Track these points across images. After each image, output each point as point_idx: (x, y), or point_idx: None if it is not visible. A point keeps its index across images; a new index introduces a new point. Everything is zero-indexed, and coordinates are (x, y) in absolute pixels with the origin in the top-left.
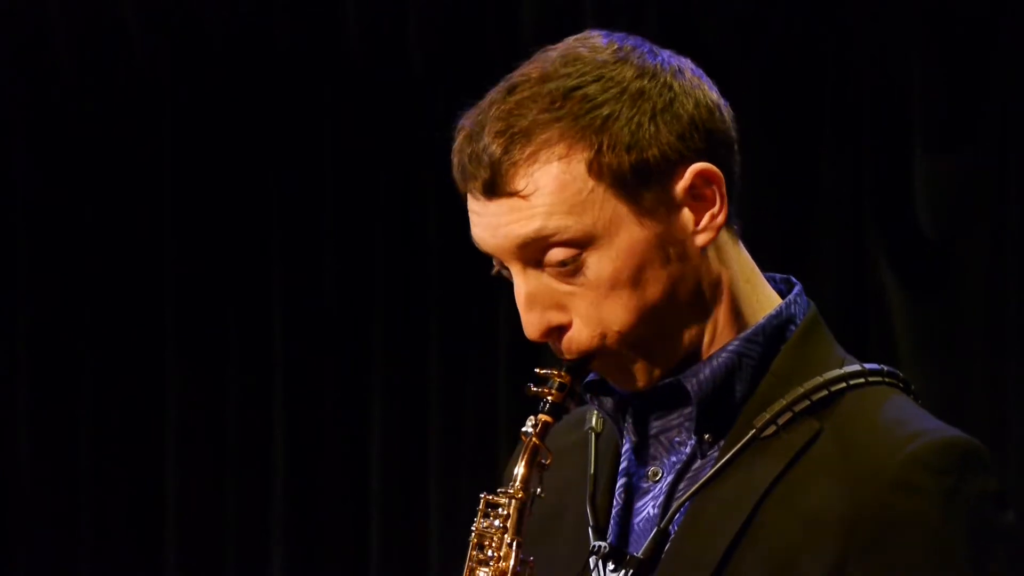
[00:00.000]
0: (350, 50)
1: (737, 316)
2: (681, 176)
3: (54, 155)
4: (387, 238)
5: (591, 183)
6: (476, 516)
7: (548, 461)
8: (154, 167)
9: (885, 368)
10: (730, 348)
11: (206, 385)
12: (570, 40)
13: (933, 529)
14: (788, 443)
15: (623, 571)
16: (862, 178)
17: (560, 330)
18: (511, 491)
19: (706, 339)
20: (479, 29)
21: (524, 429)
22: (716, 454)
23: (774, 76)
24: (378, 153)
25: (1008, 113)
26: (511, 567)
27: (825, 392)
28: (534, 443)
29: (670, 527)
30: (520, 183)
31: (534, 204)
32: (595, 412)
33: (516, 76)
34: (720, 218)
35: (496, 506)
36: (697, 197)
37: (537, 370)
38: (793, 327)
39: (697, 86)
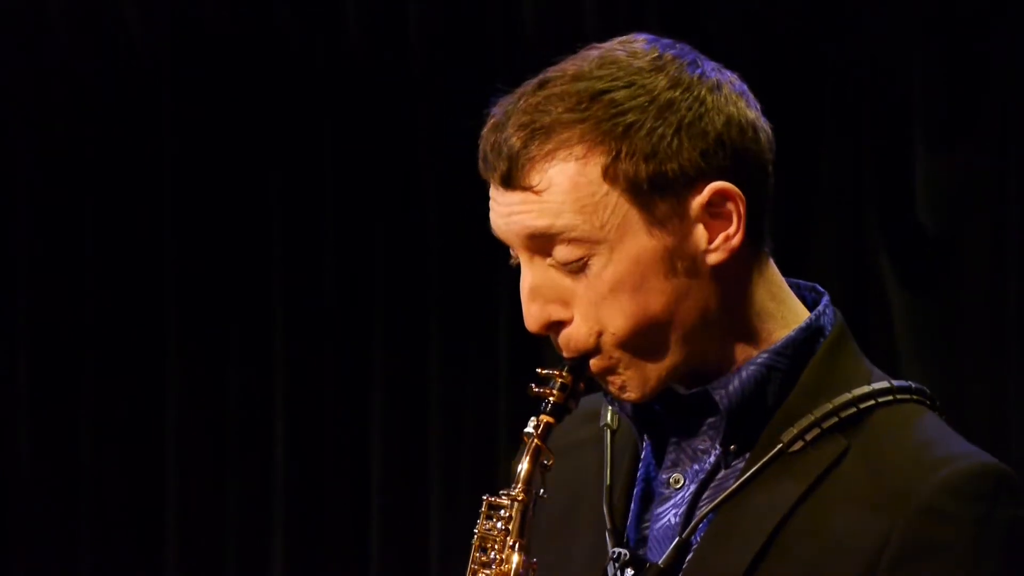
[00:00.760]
0: (350, 50)
1: (755, 335)
2: (699, 192)
3: (54, 154)
4: (387, 238)
5: (605, 187)
6: (479, 518)
7: (550, 462)
8: (154, 167)
9: (913, 385)
10: (759, 360)
11: (206, 385)
12: (614, 41)
13: (964, 557)
14: (815, 460)
15: None
16: (862, 177)
17: (560, 326)
18: (513, 493)
19: (713, 357)
20: (479, 29)
21: (526, 430)
22: (741, 466)
23: (774, 75)
24: (378, 153)
25: (1008, 112)
26: (513, 569)
27: (854, 409)
28: (536, 444)
29: (692, 538)
30: (535, 178)
31: (546, 200)
32: (610, 408)
33: (552, 71)
34: (735, 240)
35: (498, 508)
36: (715, 215)
37: (539, 370)
38: (822, 339)
39: (733, 103)
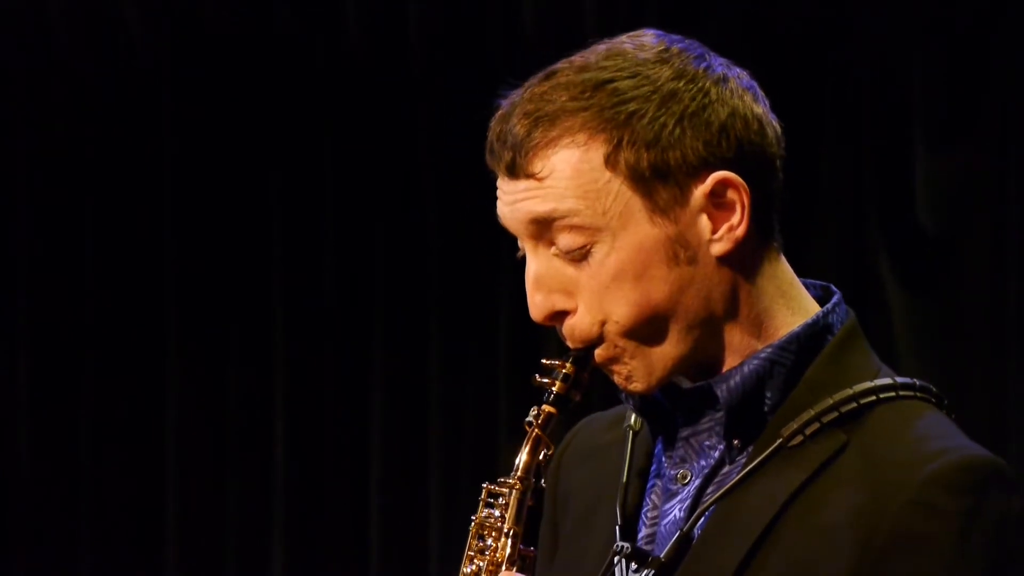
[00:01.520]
0: (350, 50)
1: (762, 329)
2: (702, 181)
3: (54, 154)
4: (387, 238)
5: (607, 174)
6: (478, 506)
7: (551, 452)
8: (154, 167)
9: (918, 382)
10: (763, 355)
11: (206, 385)
12: (623, 35)
13: (948, 550)
14: (813, 454)
15: (645, 572)
16: (862, 177)
17: (564, 315)
18: (511, 481)
19: (719, 349)
20: (479, 29)
21: (527, 419)
22: (744, 460)
23: (774, 75)
24: (378, 153)
25: (1008, 112)
26: (507, 556)
27: (854, 404)
28: (536, 434)
29: (693, 531)
30: (538, 165)
31: (548, 186)
32: (634, 413)
33: (560, 63)
34: (739, 230)
35: (497, 496)
36: (718, 206)
37: (543, 361)
38: (830, 336)
39: (739, 96)
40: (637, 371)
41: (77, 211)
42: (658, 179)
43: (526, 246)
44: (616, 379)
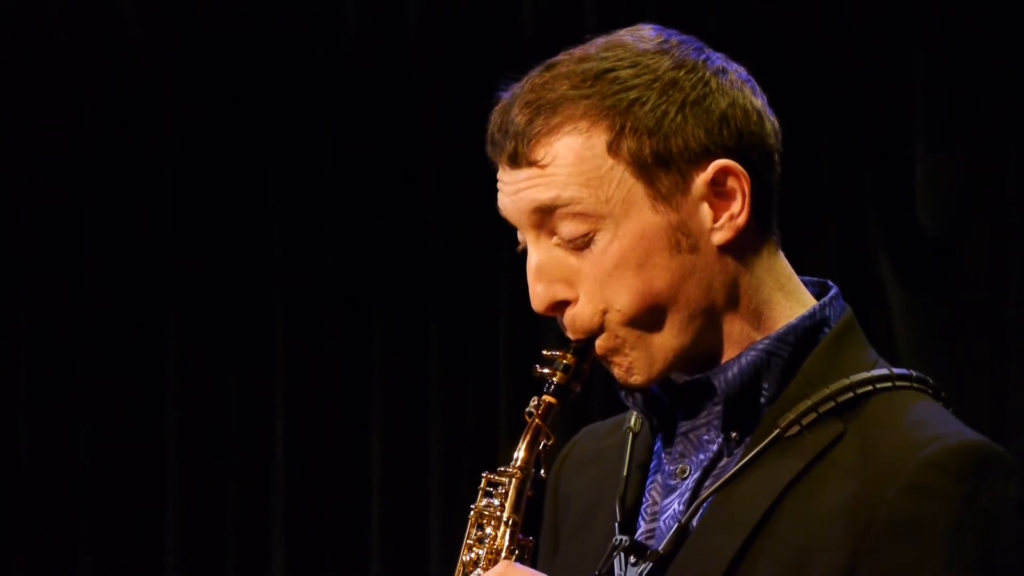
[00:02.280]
0: (350, 50)
1: (761, 320)
2: (703, 169)
3: (54, 154)
4: (387, 238)
5: (609, 161)
6: (477, 495)
7: (551, 442)
8: (154, 167)
9: (914, 373)
10: (760, 347)
11: (206, 385)
12: (621, 30)
13: (945, 534)
14: (811, 443)
15: (643, 565)
16: (862, 177)
17: (565, 306)
18: (511, 470)
19: (719, 340)
20: (479, 29)
21: (527, 410)
22: (741, 452)
23: (774, 75)
24: (378, 153)
25: (1008, 111)
26: (506, 545)
27: (851, 394)
28: (536, 424)
29: (691, 522)
30: (540, 153)
31: (551, 174)
32: (635, 413)
33: (559, 56)
34: (740, 219)
35: (496, 485)
36: (720, 194)
37: (544, 352)
38: (827, 329)
39: (739, 88)
40: (638, 362)
41: (77, 211)
42: (660, 166)
43: (527, 236)
44: (616, 371)
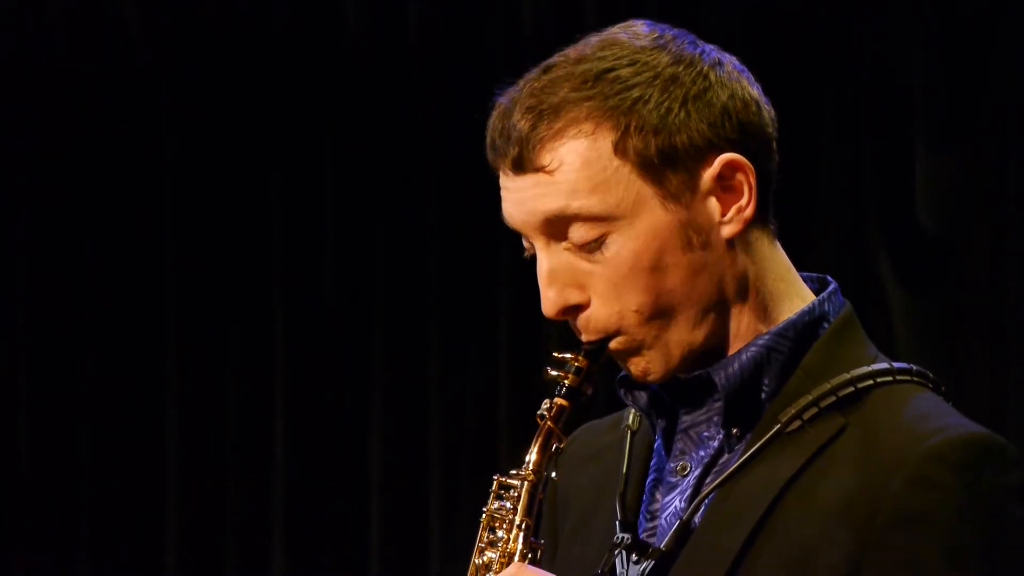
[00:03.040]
0: (350, 50)
1: (767, 313)
2: (710, 164)
3: (54, 154)
4: (387, 238)
5: (616, 162)
6: (488, 498)
7: (563, 445)
8: (154, 167)
9: (914, 367)
10: (760, 342)
11: (206, 385)
12: (613, 28)
13: (948, 525)
14: (812, 438)
15: (645, 563)
16: (862, 177)
17: (577, 309)
18: (523, 473)
19: (729, 334)
20: (479, 29)
21: (539, 412)
22: (743, 448)
23: (774, 75)
24: (378, 153)
25: (1008, 111)
26: (519, 549)
27: (852, 389)
28: (548, 427)
29: (693, 519)
30: (546, 158)
31: (559, 180)
32: (633, 411)
33: (555, 57)
34: (748, 211)
35: (508, 488)
36: (726, 188)
37: (555, 354)
38: (826, 324)
39: (736, 79)
40: (654, 360)
41: (77, 211)
42: (667, 165)
43: (536, 243)
44: (633, 371)
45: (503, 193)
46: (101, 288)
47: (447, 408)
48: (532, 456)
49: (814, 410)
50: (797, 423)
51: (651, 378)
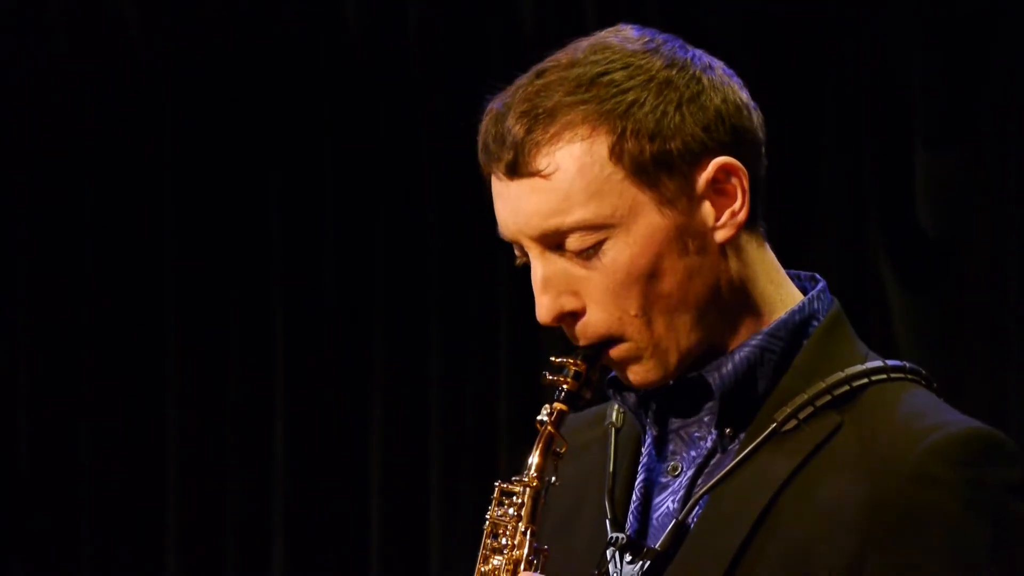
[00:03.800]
0: (350, 50)
1: (758, 315)
2: (704, 168)
3: (54, 154)
4: (387, 238)
5: (611, 168)
6: (491, 504)
7: (563, 450)
8: (154, 166)
9: (907, 365)
10: (752, 343)
11: (206, 384)
12: (603, 31)
13: (952, 521)
14: (808, 437)
15: (640, 563)
16: (862, 177)
17: (573, 316)
18: (525, 479)
19: (723, 337)
20: (479, 29)
21: (539, 418)
22: (736, 448)
23: (774, 74)
24: (378, 152)
25: (1009, 111)
26: (525, 555)
27: (847, 387)
28: (549, 432)
29: (688, 520)
30: (542, 163)
31: (555, 186)
32: (616, 408)
33: (546, 62)
34: (741, 215)
35: (510, 494)
36: (719, 192)
37: (553, 358)
38: (816, 323)
39: (727, 84)
40: (652, 364)
41: (77, 211)
42: (663, 169)
43: (531, 251)
44: (632, 378)
45: (496, 200)
46: (101, 288)
47: (447, 408)
48: (534, 461)
49: (809, 409)
50: (793, 422)
51: (648, 381)
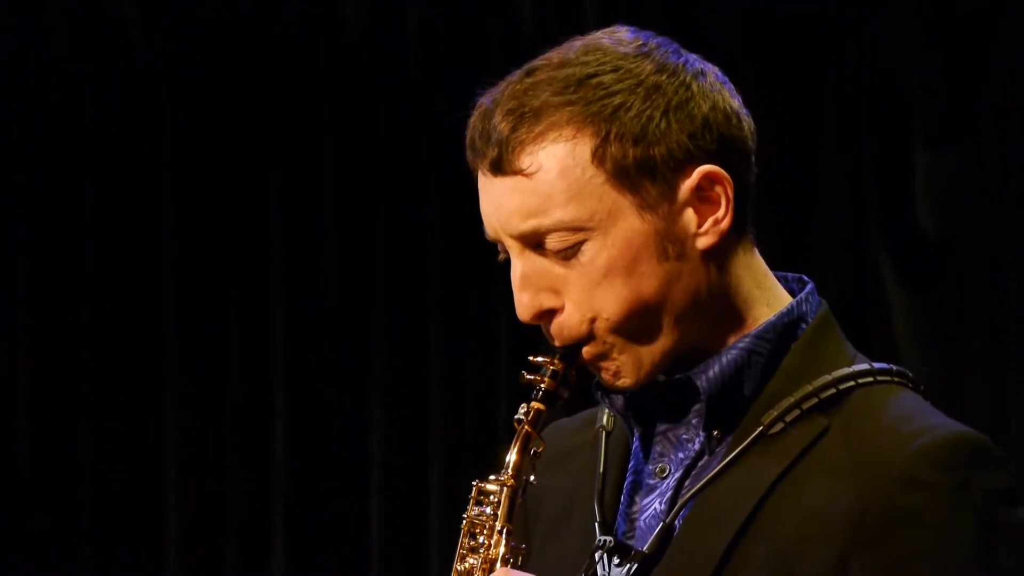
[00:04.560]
0: (350, 50)
1: (744, 319)
2: (688, 175)
3: (54, 154)
4: (387, 238)
5: (593, 171)
6: (468, 504)
7: (541, 449)
8: (154, 166)
9: (895, 367)
10: (740, 345)
11: (206, 384)
12: (597, 32)
13: (939, 525)
14: (795, 440)
15: (628, 566)
16: (862, 177)
17: (552, 314)
18: (503, 478)
19: (702, 342)
20: (479, 29)
21: (517, 416)
22: (723, 450)
23: (774, 74)
24: (378, 152)
25: (1009, 111)
26: (501, 554)
27: (833, 390)
28: (526, 431)
29: (675, 522)
30: (525, 161)
31: (536, 186)
32: (606, 412)
33: (537, 60)
34: (724, 223)
35: (488, 494)
36: (703, 199)
37: (531, 358)
38: (804, 325)
39: (718, 91)
40: (625, 367)
41: (77, 211)
42: (645, 175)
43: (511, 248)
44: (604, 376)
45: (481, 195)
46: (101, 288)
47: (447, 408)
48: (511, 460)
49: (796, 412)
50: (780, 425)
51: (621, 383)
